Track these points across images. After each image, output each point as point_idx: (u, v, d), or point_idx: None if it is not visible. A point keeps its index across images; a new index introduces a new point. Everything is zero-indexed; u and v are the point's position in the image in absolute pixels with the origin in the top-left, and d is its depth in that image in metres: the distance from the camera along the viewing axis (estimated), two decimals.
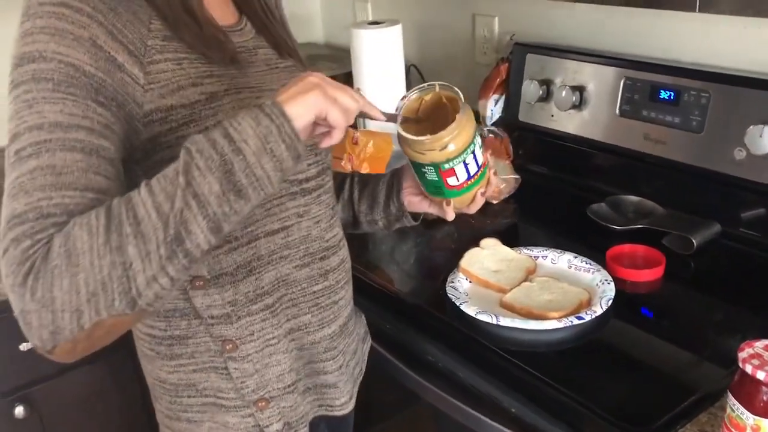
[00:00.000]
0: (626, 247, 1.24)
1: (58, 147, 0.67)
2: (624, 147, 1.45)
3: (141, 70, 0.74)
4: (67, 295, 0.64)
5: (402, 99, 0.92)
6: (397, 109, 0.91)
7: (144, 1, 0.77)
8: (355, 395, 1.04)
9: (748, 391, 0.75)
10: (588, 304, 1.08)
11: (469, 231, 1.40)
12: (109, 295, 0.65)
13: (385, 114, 0.84)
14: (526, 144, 1.66)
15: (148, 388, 0.97)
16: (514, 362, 0.99)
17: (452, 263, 1.22)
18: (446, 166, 0.89)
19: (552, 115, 1.58)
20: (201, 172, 0.66)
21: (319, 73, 0.74)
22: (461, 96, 0.89)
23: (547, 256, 1.24)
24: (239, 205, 0.68)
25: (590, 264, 1.19)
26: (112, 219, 0.65)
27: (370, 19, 2.16)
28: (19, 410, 1.47)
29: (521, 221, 1.51)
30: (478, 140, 0.92)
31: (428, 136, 0.86)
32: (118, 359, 1.49)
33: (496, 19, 1.79)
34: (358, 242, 1.07)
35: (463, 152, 0.88)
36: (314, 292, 0.93)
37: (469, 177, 0.92)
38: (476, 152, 0.91)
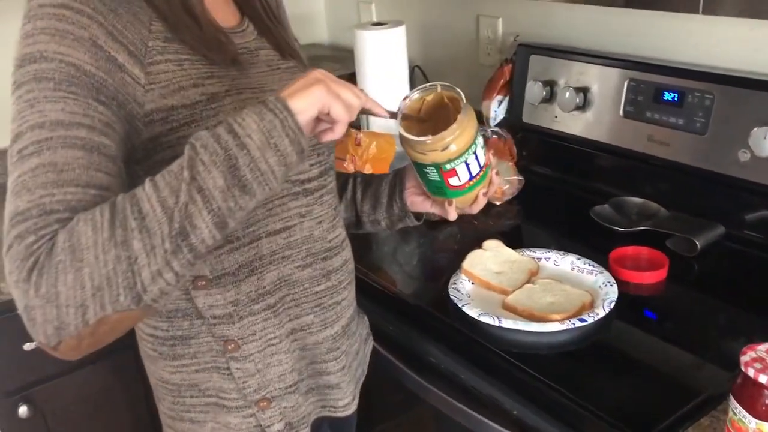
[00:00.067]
0: (629, 249, 1.23)
1: (59, 144, 0.68)
2: (628, 148, 1.44)
3: (142, 71, 0.75)
4: (72, 290, 0.64)
5: (404, 99, 0.92)
6: (399, 110, 0.91)
7: (144, 2, 0.77)
8: (357, 396, 1.04)
9: (750, 394, 0.75)
10: (591, 306, 1.08)
11: (472, 232, 1.40)
12: (114, 289, 0.65)
13: (387, 111, 0.84)
14: (530, 145, 1.66)
15: (151, 388, 0.98)
16: (516, 364, 0.99)
17: (455, 264, 1.22)
18: (448, 166, 0.89)
19: (555, 117, 1.58)
20: (206, 167, 0.66)
21: (322, 70, 0.75)
22: (463, 96, 0.89)
23: (549, 258, 1.23)
24: (244, 201, 0.68)
25: (593, 266, 1.18)
26: (116, 214, 0.65)
27: (374, 20, 2.16)
28: (22, 410, 1.47)
29: (524, 222, 1.51)
30: (480, 140, 0.91)
31: (430, 137, 0.86)
32: (121, 359, 1.50)
33: (500, 20, 1.79)
34: (361, 243, 1.07)
35: (464, 152, 0.88)
36: (316, 292, 0.93)
37: (471, 177, 0.92)
38: (478, 152, 0.91)
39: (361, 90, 0.78)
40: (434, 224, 1.42)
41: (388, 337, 1.17)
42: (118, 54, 0.73)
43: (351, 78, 1.85)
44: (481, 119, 1.69)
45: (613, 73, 1.45)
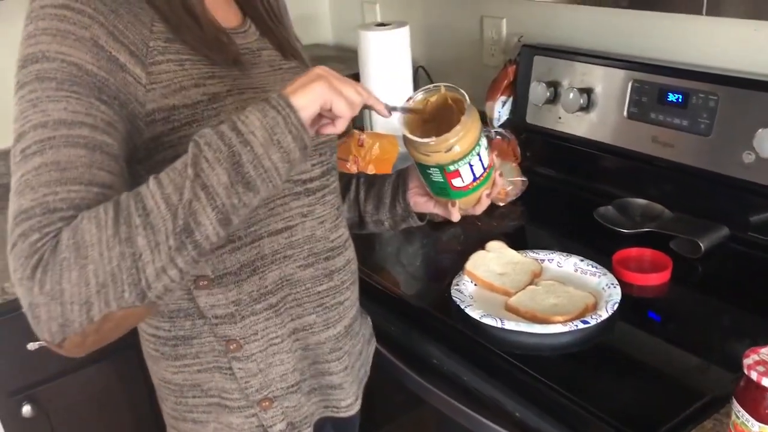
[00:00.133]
0: (633, 251, 1.23)
1: (62, 144, 0.68)
2: (632, 150, 1.44)
3: (143, 71, 0.75)
4: (77, 287, 0.64)
5: (407, 100, 0.92)
6: (402, 111, 0.91)
7: (146, 3, 0.77)
8: (360, 397, 1.04)
9: (753, 397, 0.75)
10: (594, 308, 1.08)
11: (476, 233, 1.40)
12: (118, 286, 0.65)
13: (387, 107, 0.83)
14: (534, 146, 1.66)
15: (155, 388, 0.98)
16: (518, 366, 0.99)
17: (458, 266, 1.22)
18: (451, 167, 0.89)
19: (559, 118, 1.57)
20: (209, 164, 0.66)
21: (324, 67, 0.75)
22: (467, 97, 0.89)
23: (553, 260, 1.23)
24: (248, 197, 0.69)
25: (596, 267, 1.18)
26: (120, 211, 0.65)
27: (379, 20, 2.16)
28: (26, 409, 1.48)
29: (528, 224, 1.51)
30: (484, 142, 0.91)
31: (433, 138, 0.86)
32: (125, 359, 1.50)
33: (504, 20, 1.79)
34: (364, 243, 1.07)
35: (468, 154, 0.88)
36: (319, 292, 0.93)
37: (475, 178, 0.92)
38: (482, 154, 0.91)
39: (364, 86, 0.78)
40: (437, 225, 1.42)
41: (390, 338, 1.17)
42: (120, 54, 0.73)
43: (355, 78, 1.85)
44: (485, 120, 1.69)
45: (617, 74, 1.45)
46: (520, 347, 1.03)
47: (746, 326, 1.09)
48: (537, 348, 1.03)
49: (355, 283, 1.01)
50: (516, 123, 1.69)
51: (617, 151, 1.47)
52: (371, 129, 1.80)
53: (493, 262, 1.22)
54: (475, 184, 0.93)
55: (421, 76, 2.00)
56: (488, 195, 0.97)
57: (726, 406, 0.85)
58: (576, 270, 1.20)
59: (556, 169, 1.63)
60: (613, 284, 1.13)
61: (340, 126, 0.76)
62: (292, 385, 0.93)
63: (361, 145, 1.56)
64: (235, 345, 0.88)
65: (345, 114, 0.74)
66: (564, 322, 1.03)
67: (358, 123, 1.85)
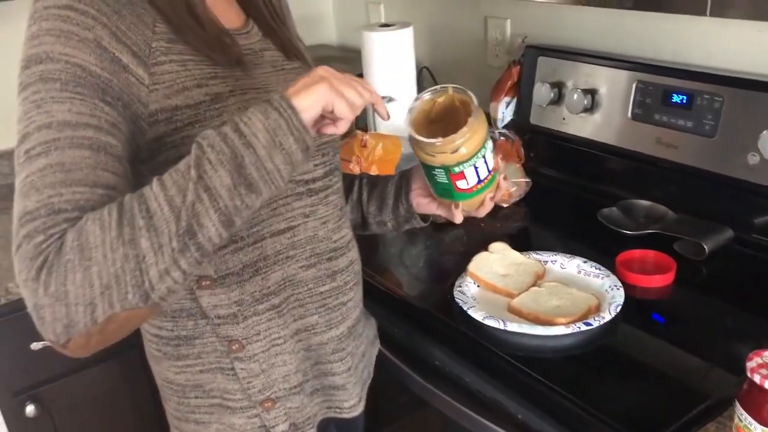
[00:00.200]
0: (636, 253, 1.23)
1: (66, 145, 0.68)
2: (636, 151, 1.43)
3: (145, 71, 0.75)
4: (81, 289, 0.64)
5: (415, 100, 0.92)
6: (409, 111, 0.90)
7: (148, 4, 0.77)
8: (364, 398, 1.04)
9: (756, 401, 0.75)
10: (597, 309, 1.07)
11: (479, 234, 1.40)
12: (122, 288, 0.65)
13: (387, 114, 0.83)
14: (538, 147, 1.66)
15: (158, 388, 0.98)
16: (520, 368, 0.99)
17: (461, 267, 1.22)
18: (456, 169, 0.89)
19: (563, 118, 1.57)
20: (212, 166, 0.67)
21: (327, 67, 0.75)
22: (474, 99, 0.89)
23: (556, 261, 1.23)
24: (250, 199, 0.69)
25: (600, 269, 1.18)
26: (124, 213, 0.66)
27: (383, 20, 2.16)
28: (30, 409, 1.48)
29: (531, 225, 1.51)
30: (490, 144, 0.91)
31: (439, 139, 0.86)
32: (129, 358, 1.50)
33: (508, 21, 1.78)
34: (367, 244, 1.07)
35: (474, 156, 0.88)
36: (321, 293, 0.93)
37: (479, 181, 0.92)
38: (487, 156, 0.91)
39: (366, 85, 0.78)
40: (440, 226, 1.42)
41: (392, 340, 1.17)
42: (122, 55, 0.73)
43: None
44: (489, 121, 1.69)
45: (622, 75, 1.44)
46: (523, 349, 1.03)
47: (750, 329, 1.08)
48: (539, 350, 1.03)
49: (358, 284, 1.01)
50: (520, 124, 1.69)
51: (621, 153, 1.47)
52: (374, 129, 1.80)
53: (496, 264, 1.21)
54: (479, 186, 0.92)
55: (425, 76, 2.00)
56: (492, 198, 0.97)
57: (729, 409, 0.85)
58: (579, 272, 1.20)
59: (559, 170, 1.63)
60: (616, 286, 1.12)
61: (342, 127, 0.76)
62: (295, 386, 0.93)
63: (364, 146, 1.56)
64: (237, 345, 0.88)
65: (346, 116, 0.74)
66: (567, 324, 1.03)
67: (361, 123, 1.85)
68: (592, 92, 1.50)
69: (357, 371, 1.01)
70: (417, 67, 1.87)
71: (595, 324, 1.03)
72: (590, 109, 1.50)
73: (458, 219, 0.98)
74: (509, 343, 1.03)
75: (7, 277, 1.41)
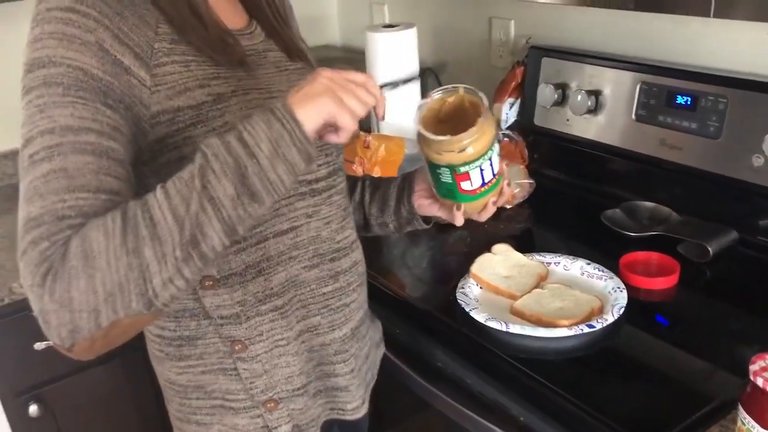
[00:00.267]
0: (640, 255, 1.22)
1: (69, 150, 0.69)
2: (640, 152, 1.43)
3: (147, 73, 0.75)
4: (85, 296, 0.65)
5: (425, 98, 0.92)
6: (419, 108, 0.91)
7: (151, 5, 0.77)
8: (367, 400, 1.04)
9: (759, 404, 0.74)
10: (600, 311, 1.07)
11: (482, 236, 1.39)
12: (126, 295, 0.66)
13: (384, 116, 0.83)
14: (541, 148, 1.65)
15: (161, 389, 0.98)
16: (523, 370, 0.98)
17: (464, 268, 1.21)
18: (462, 169, 0.88)
19: (567, 120, 1.57)
20: (216, 176, 0.67)
21: (329, 71, 0.75)
22: (485, 101, 0.89)
23: (559, 263, 1.23)
24: (253, 208, 0.70)
25: (603, 271, 1.17)
26: (127, 221, 0.66)
27: (387, 21, 2.16)
28: (33, 409, 1.48)
29: (535, 226, 1.50)
30: (497, 148, 0.91)
31: (448, 137, 0.86)
32: (132, 359, 1.50)
33: (513, 22, 1.78)
34: (370, 246, 1.07)
35: (480, 157, 0.88)
36: (324, 293, 0.93)
37: (483, 183, 0.91)
38: (493, 159, 0.90)
39: (369, 88, 0.77)
40: (444, 227, 1.41)
41: (395, 341, 1.16)
42: (124, 57, 0.73)
43: None
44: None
45: (626, 77, 1.44)
46: (525, 351, 1.02)
47: (754, 331, 1.08)
48: (542, 352, 1.03)
49: (362, 286, 1.01)
50: (524, 125, 1.68)
51: (625, 154, 1.46)
52: (377, 131, 1.79)
53: (499, 265, 1.21)
54: (483, 189, 0.92)
55: (429, 77, 2.00)
56: (494, 203, 0.97)
57: (732, 412, 0.84)
58: (582, 273, 1.19)
59: (563, 172, 1.62)
60: (619, 288, 1.12)
61: (344, 137, 0.76)
62: (298, 388, 0.93)
63: (367, 147, 1.56)
64: (240, 346, 0.88)
65: (348, 127, 0.74)
66: (569, 326, 1.03)
67: (364, 125, 1.85)
68: (596, 93, 1.49)
69: (360, 373, 1.01)
70: (421, 67, 1.87)
71: (598, 326, 1.02)
72: (594, 110, 1.50)
73: (459, 221, 0.97)
74: (511, 345, 1.03)
75: (10, 278, 1.41)
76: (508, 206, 1.51)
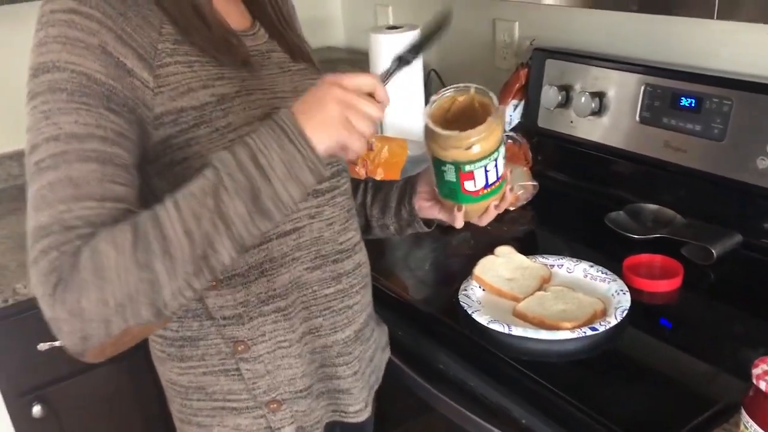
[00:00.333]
0: (644, 257, 1.22)
1: (74, 158, 0.69)
2: (644, 154, 1.43)
3: (150, 74, 0.75)
4: (95, 307, 0.66)
5: (436, 95, 0.92)
6: (429, 103, 0.91)
7: (155, 6, 0.77)
8: (371, 403, 1.03)
9: (761, 408, 0.74)
10: (603, 314, 1.07)
11: (486, 238, 1.39)
12: (136, 307, 0.68)
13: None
14: (545, 150, 1.65)
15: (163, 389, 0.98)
16: (525, 372, 0.98)
17: (467, 270, 1.21)
18: (467, 167, 0.88)
19: (571, 122, 1.56)
20: (229, 195, 0.69)
21: (338, 87, 0.74)
22: (496, 101, 0.89)
23: (562, 265, 1.22)
24: (264, 225, 0.72)
25: (606, 274, 1.17)
26: (138, 236, 0.67)
27: (391, 23, 2.16)
28: (36, 409, 1.49)
29: (538, 228, 1.50)
30: (503, 151, 0.91)
31: (456, 132, 0.85)
32: (135, 360, 1.50)
33: (517, 24, 1.78)
34: (374, 247, 1.07)
35: (486, 157, 0.88)
36: (326, 295, 0.93)
37: (487, 185, 0.91)
38: (498, 161, 0.90)
39: (379, 86, 0.77)
40: (447, 229, 1.41)
41: (397, 343, 1.16)
42: (127, 59, 0.73)
43: None
44: None
45: (630, 78, 1.43)
46: (528, 353, 1.02)
47: (758, 334, 1.07)
48: (544, 354, 1.02)
49: (365, 288, 1.00)
50: (527, 127, 1.68)
51: (629, 156, 1.46)
52: (381, 132, 1.79)
53: (502, 267, 1.21)
54: (486, 191, 0.92)
55: (433, 79, 2.00)
56: (496, 206, 0.96)
57: (736, 415, 0.84)
58: (585, 276, 1.19)
59: (567, 174, 1.62)
60: (622, 291, 1.11)
61: (352, 156, 0.77)
62: (301, 390, 0.93)
63: (370, 149, 1.56)
64: (243, 346, 0.88)
65: (359, 150, 0.76)
66: (572, 329, 1.02)
67: None
68: (600, 95, 1.49)
69: (364, 376, 1.01)
70: (425, 69, 1.87)
71: (601, 329, 1.02)
72: (598, 112, 1.50)
73: (459, 223, 0.97)
74: (514, 348, 1.03)
75: (14, 279, 1.41)
76: (512, 208, 1.50)
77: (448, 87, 0.92)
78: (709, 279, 1.21)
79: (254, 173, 0.69)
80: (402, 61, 0.86)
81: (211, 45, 0.80)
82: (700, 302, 1.17)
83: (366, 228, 1.09)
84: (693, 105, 1.32)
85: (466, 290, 1.16)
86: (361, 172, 1.54)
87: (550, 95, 1.58)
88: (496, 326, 1.05)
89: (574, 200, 1.57)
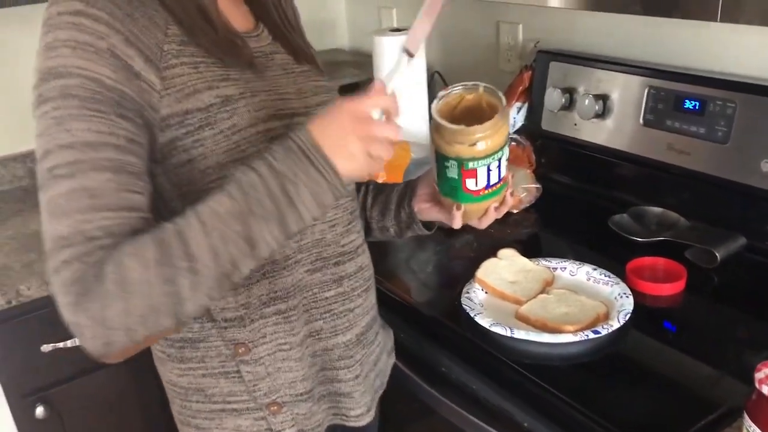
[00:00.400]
0: (647, 260, 1.21)
1: (89, 168, 0.70)
2: (647, 157, 1.42)
3: (157, 76, 0.75)
4: (119, 317, 0.68)
5: (444, 90, 0.91)
6: (438, 98, 0.90)
7: (160, 6, 0.78)
8: (373, 408, 1.03)
9: (764, 412, 0.74)
10: (605, 317, 1.07)
11: (489, 240, 1.39)
12: (158, 317, 0.70)
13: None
14: (549, 153, 1.65)
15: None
16: (527, 376, 0.98)
17: (470, 273, 1.21)
18: (470, 164, 0.88)
19: (575, 124, 1.56)
20: (257, 221, 0.71)
21: (354, 116, 0.75)
22: (504, 101, 0.88)
23: (565, 268, 1.22)
24: (285, 243, 0.78)
25: (609, 277, 1.17)
26: (164, 252, 0.69)
27: (395, 25, 2.16)
28: (39, 411, 1.49)
29: (542, 231, 1.50)
30: (507, 152, 0.90)
31: (462, 126, 0.85)
32: (139, 361, 1.49)
33: (520, 26, 1.78)
34: (377, 250, 1.06)
35: (490, 155, 0.87)
36: (326, 298, 0.93)
37: (488, 186, 0.90)
38: (502, 162, 0.90)
39: (393, 104, 0.79)
40: (450, 231, 1.41)
41: (399, 346, 1.16)
42: (134, 61, 0.74)
43: (369, 83, 1.85)
44: None
45: (633, 81, 1.43)
46: (530, 356, 1.02)
47: (762, 338, 1.07)
48: (547, 357, 1.02)
49: (368, 291, 1.00)
50: (531, 129, 1.68)
51: (633, 159, 1.46)
52: None
53: (505, 270, 1.21)
54: (486, 192, 0.91)
55: (437, 81, 2.00)
56: (496, 209, 0.96)
57: (738, 419, 0.84)
58: (588, 279, 1.19)
59: (571, 176, 1.62)
60: (625, 294, 1.11)
61: (367, 178, 0.81)
62: (301, 393, 0.93)
63: None
64: (243, 349, 0.88)
65: (378, 171, 0.81)
66: (575, 332, 1.02)
67: None
68: (603, 98, 1.49)
69: (367, 380, 1.00)
70: (428, 71, 1.87)
71: (604, 332, 1.02)
72: (602, 114, 1.49)
73: (457, 223, 0.96)
74: (516, 351, 1.03)
75: (18, 280, 1.42)
76: (515, 211, 1.50)
77: (458, 84, 0.92)
78: (712, 282, 1.20)
79: (282, 200, 0.72)
80: (407, 52, 0.86)
81: (217, 46, 0.81)
82: (704, 306, 1.17)
83: (366, 230, 1.09)
84: (697, 107, 1.32)
85: (468, 293, 1.16)
86: None
87: (553, 98, 1.58)
88: (498, 329, 1.04)
89: (577, 203, 1.56)
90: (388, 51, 1.76)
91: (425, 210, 1.03)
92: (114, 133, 0.72)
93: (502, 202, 0.96)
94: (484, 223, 0.98)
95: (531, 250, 1.29)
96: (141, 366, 1.51)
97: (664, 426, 0.88)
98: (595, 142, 1.53)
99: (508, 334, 1.03)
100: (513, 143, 1.60)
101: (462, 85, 0.91)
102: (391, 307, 1.21)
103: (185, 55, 0.78)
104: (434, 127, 0.89)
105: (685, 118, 1.34)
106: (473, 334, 1.07)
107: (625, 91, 1.45)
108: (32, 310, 1.41)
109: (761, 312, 1.11)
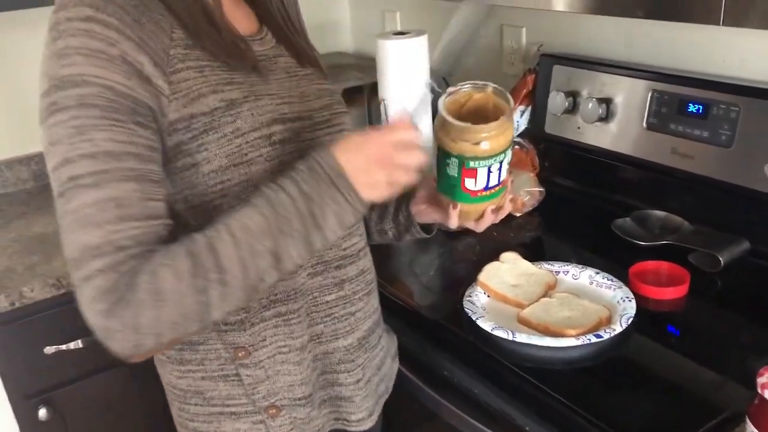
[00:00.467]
0: (650, 264, 1.21)
1: (114, 178, 0.71)
2: (651, 161, 1.42)
3: (165, 81, 0.76)
4: (151, 323, 0.71)
5: (453, 87, 0.91)
6: (446, 93, 0.90)
7: (166, 11, 0.78)
8: (376, 413, 1.03)
9: (766, 417, 0.73)
10: (608, 321, 1.06)
11: (491, 243, 1.39)
12: (188, 323, 0.73)
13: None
14: (552, 156, 1.65)
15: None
16: (529, 379, 0.98)
17: (472, 276, 1.21)
18: (471, 163, 0.87)
19: (578, 128, 1.56)
20: (285, 240, 0.75)
21: (381, 147, 0.79)
22: (511, 102, 0.88)
23: (568, 272, 1.22)
24: (308, 258, 0.81)
25: (612, 280, 1.16)
26: (197, 265, 0.72)
27: (399, 28, 2.16)
28: (42, 412, 1.49)
29: (545, 235, 1.50)
30: (509, 155, 0.90)
31: (467, 124, 0.85)
32: (141, 363, 1.50)
33: (524, 29, 1.78)
34: (379, 253, 1.06)
35: (493, 156, 0.87)
36: (327, 301, 0.93)
37: (487, 187, 0.90)
38: (503, 165, 0.89)
39: (414, 134, 0.81)
40: (453, 234, 1.41)
41: (401, 349, 1.16)
42: (144, 67, 0.74)
43: (373, 87, 1.85)
44: None
45: (637, 85, 1.43)
46: (532, 360, 1.02)
47: (765, 342, 1.06)
48: (549, 361, 1.02)
49: (370, 294, 1.00)
50: (534, 132, 1.68)
51: (636, 162, 1.45)
52: None
53: (507, 274, 1.20)
54: (484, 193, 0.91)
55: (441, 84, 2.00)
56: (493, 211, 0.96)
57: (741, 424, 0.83)
58: (591, 282, 1.18)
59: (574, 180, 1.62)
60: (628, 298, 1.11)
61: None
62: (300, 398, 0.93)
63: None
64: (243, 352, 0.88)
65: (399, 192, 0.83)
66: (577, 336, 1.02)
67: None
68: (607, 101, 1.48)
69: (369, 385, 1.00)
70: (432, 75, 1.87)
71: (606, 336, 1.02)
72: (605, 118, 1.49)
73: (453, 223, 0.96)
74: (517, 354, 1.02)
75: (21, 282, 1.42)
76: (518, 214, 1.50)
77: (466, 82, 0.92)
78: (716, 286, 1.20)
79: (309, 221, 0.76)
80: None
81: (222, 50, 0.81)
82: (707, 310, 1.17)
83: (365, 233, 1.09)
84: (700, 111, 1.32)
85: (470, 296, 1.16)
86: None
87: (557, 101, 1.57)
88: (500, 333, 1.04)
89: (580, 206, 1.56)
90: (392, 54, 1.76)
91: (422, 212, 1.03)
92: (133, 142, 0.73)
93: (501, 207, 0.96)
94: (481, 226, 0.98)
95: (533, 253, 1.29)
96: (143, 368, 1.51)
97: (666, 430, 0.88)
98: (599, 145, 1.52)
99: (510, 337, 1.03)
100: (516, 146, 1.60)
101: (471, 84, 0.92)
102: (393, 310, 1.21)
103: (191, 59, 0.78)
104: (439, 123, 0.88)
105: (688, 122, 1.34)
106: (475, 338, 1.07)
107: (629, 95, 1.45)
108: (35, 312, 1.42)
109: (765, 316, 1.11)
